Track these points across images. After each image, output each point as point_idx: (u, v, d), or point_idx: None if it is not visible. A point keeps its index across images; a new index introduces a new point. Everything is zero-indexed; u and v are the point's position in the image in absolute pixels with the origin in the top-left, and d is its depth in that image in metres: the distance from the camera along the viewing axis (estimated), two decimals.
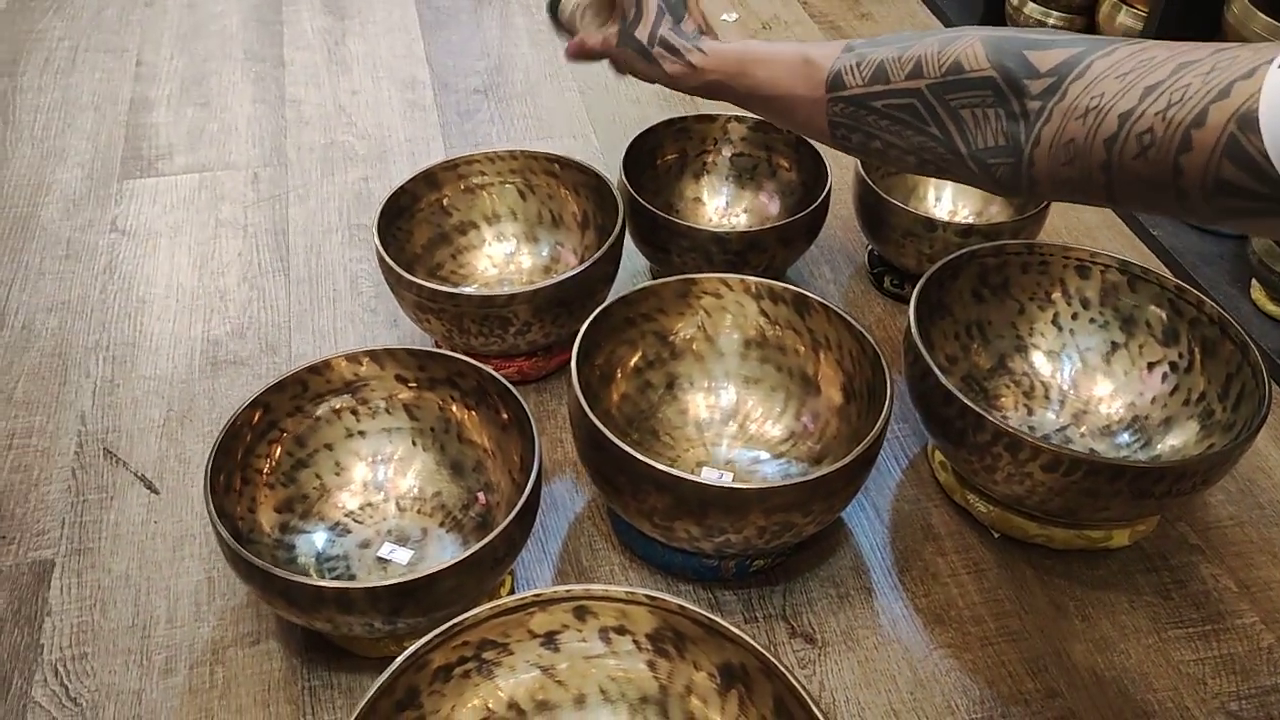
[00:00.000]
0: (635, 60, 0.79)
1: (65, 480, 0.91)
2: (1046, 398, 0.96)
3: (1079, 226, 1.25)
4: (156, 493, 0.91)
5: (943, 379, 0.81)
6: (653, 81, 0.80)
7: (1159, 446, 0.90)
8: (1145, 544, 0.89)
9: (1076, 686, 0.79)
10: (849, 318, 0.88)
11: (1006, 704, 0.78)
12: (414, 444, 0.89)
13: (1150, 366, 0.93)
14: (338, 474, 0.87)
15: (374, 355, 0.87)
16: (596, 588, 0.67)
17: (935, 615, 0.84)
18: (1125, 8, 1.27)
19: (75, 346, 1.04)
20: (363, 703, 0.60)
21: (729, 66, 0.75)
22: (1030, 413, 0.95)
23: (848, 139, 0.68)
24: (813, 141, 1.11)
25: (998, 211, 1.15)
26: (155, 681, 0.77)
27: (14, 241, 1.16)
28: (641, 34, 0.78)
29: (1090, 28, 1.35)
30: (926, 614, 0.84)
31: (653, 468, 0.75)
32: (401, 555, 0.84)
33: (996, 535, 0.89)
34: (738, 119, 1.16)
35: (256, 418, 0.83)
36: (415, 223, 1.07)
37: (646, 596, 0.66)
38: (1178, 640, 0.82)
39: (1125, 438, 0.92)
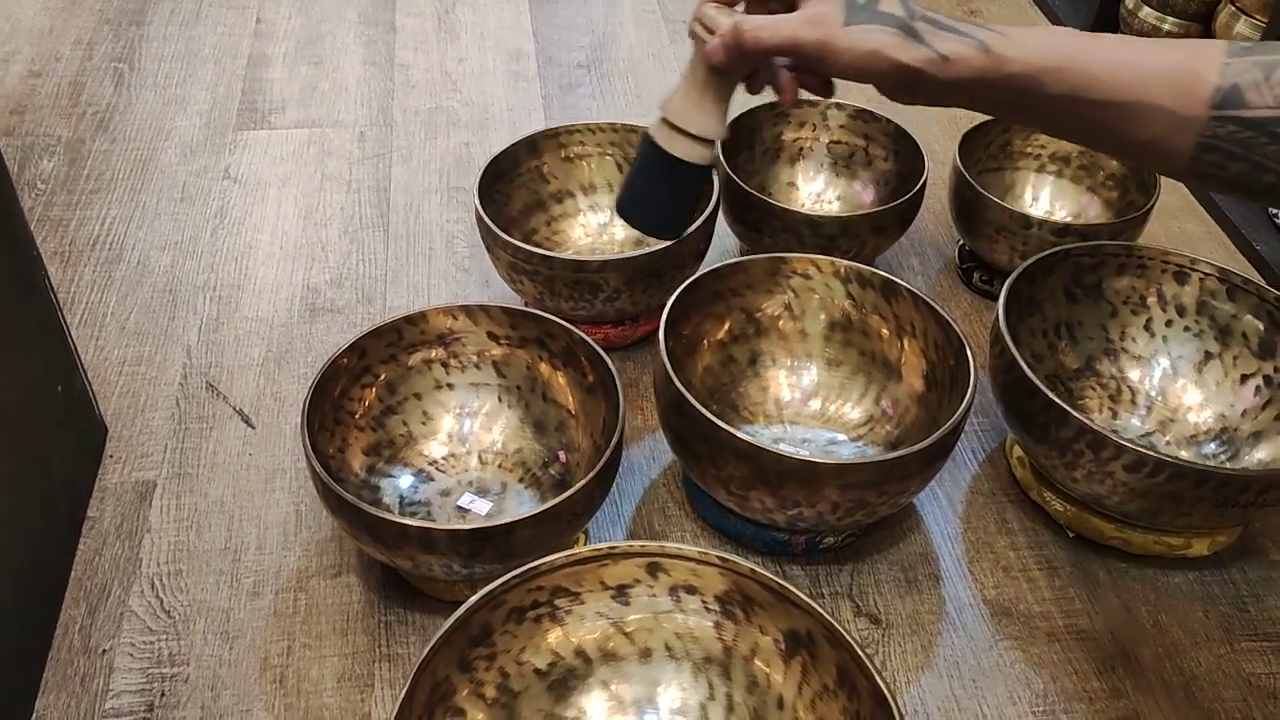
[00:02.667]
0: (874, 43, 0.57)
1: (169, 409, 0.96)
2: (1133, 403, 0.95)
3: (1179, 235, 1.22)
4: (253, 427, 0.95)
5: (1028, 371, 0.81)
6: (888, 79, 0.58)
7: (1246, 459, 0.88)
8: (1224, 555, 0.88)
9: (1143, 689, 0.79)
10: (936, 305, 0.88)
11: (1070, 700, 0.78)
12: (500, 400, 0.91)
13: (1243, 379, 0.91)
14: (424, 423, 0.90)
15: (468, 310, 0.89)
16: (671, 545, 0.69)
17: (1003, 608, 0.84)
18: (1244, 16, 1.24)
19: (185, 284, 1.09)
20: (440, 632, 0.62)
21: (1048, 57, 0.56)
22: (1115, 416, 0.94)
23: (1222, 168, 0.54)
24: (911, 132, 1.11)
25: (1097, 214, 1.14)
26: (243, 602, 0.81)
27: (134, 182, 1.22)
28: (890, 5, 0.58)
29: (1205, 35, 1.32)
30: (994, 605, 0.84)
31: (733, 435, 0.76)
32: (481, 506, 0.87)
33: (1071, 535, 0.89)
34: (838, 105, 1.17)
35: (353, 361, 0.86)
36: (514, 187, 1.09)
37: (719, 558, 0.68)
38: (1250, 653, 0.81)
39: (1211, 448, 0.90)
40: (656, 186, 0.73)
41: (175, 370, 1.00)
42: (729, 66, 0.63)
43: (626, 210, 0.75)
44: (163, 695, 0.75)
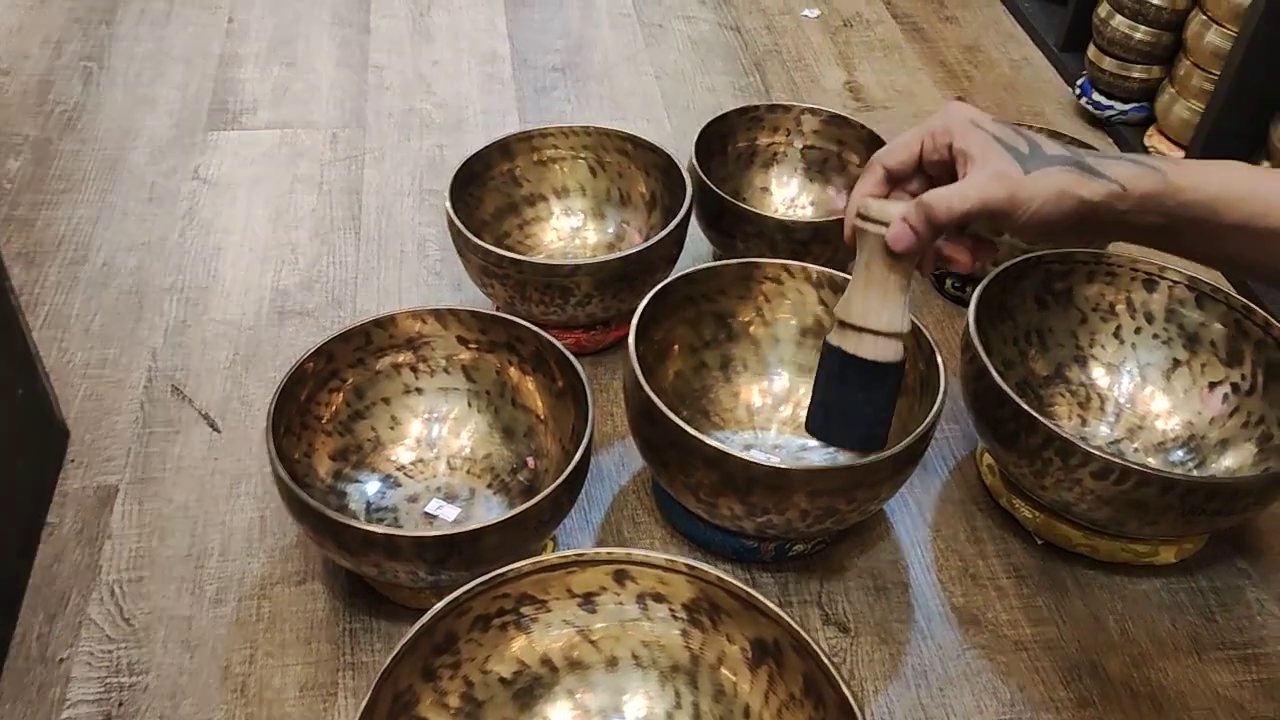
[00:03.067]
0: (1057, 184, 0.58)
1: (134, 412, 0.95)
2: (1102, 410, 0.95)
3: None
4: (218, 431, 0.94)
5: (998, 378, 0.81)
6: (1070, 218, 0.59)
7: (1213, 467, 0.89)
8: (1191, 563, 0.88)
9: (1110, 698, 0.79)
10: None
11: (1036, 709, 0.78)
12: (469, 405, 0.91)
13: (1211, 386, 0.92)
14: (393, 428, 0.89)
15: (438, 314, 0.89)
16: (638, 553, 0.68)
17: (971, 616, 0.84)
18: (1215, 26, 1.25)
19: (152, 286, 1.08)
20: (403, 640, 0.62)
21: (1223, 185, 0.57)
22: (1084, 423, 0.95)
23: None
24: (885, 138, 1.11)
25: None
26: (205, 610, 0.80)
27: (102, 182, 1.20)
28: (1054, 149, 0.60)
29: (1176, 44, 1.33)
30: (962, 614, 0.84)
31: (702, 442, 0.76)
32: (448, 512, 0.86)
33: (1040, 542, 0.89)
34: (811, 111, 1.17)
35: (320, 365, 0.85)
36: (486, 190, 1.09)
37: (686, 565, 0.67)
38: (1218, 662, 0.82)
39: (1179, 455, 0.91)
40: (853, 397, 0.68)
41: (140, 373, 0.98)
42: (917, 248, 0.62)
43: (824, 430, 0.71)
44: (120, 705, 0.74)
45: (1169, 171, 0.58)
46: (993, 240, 0.66)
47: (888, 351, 0.66)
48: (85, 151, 1.24)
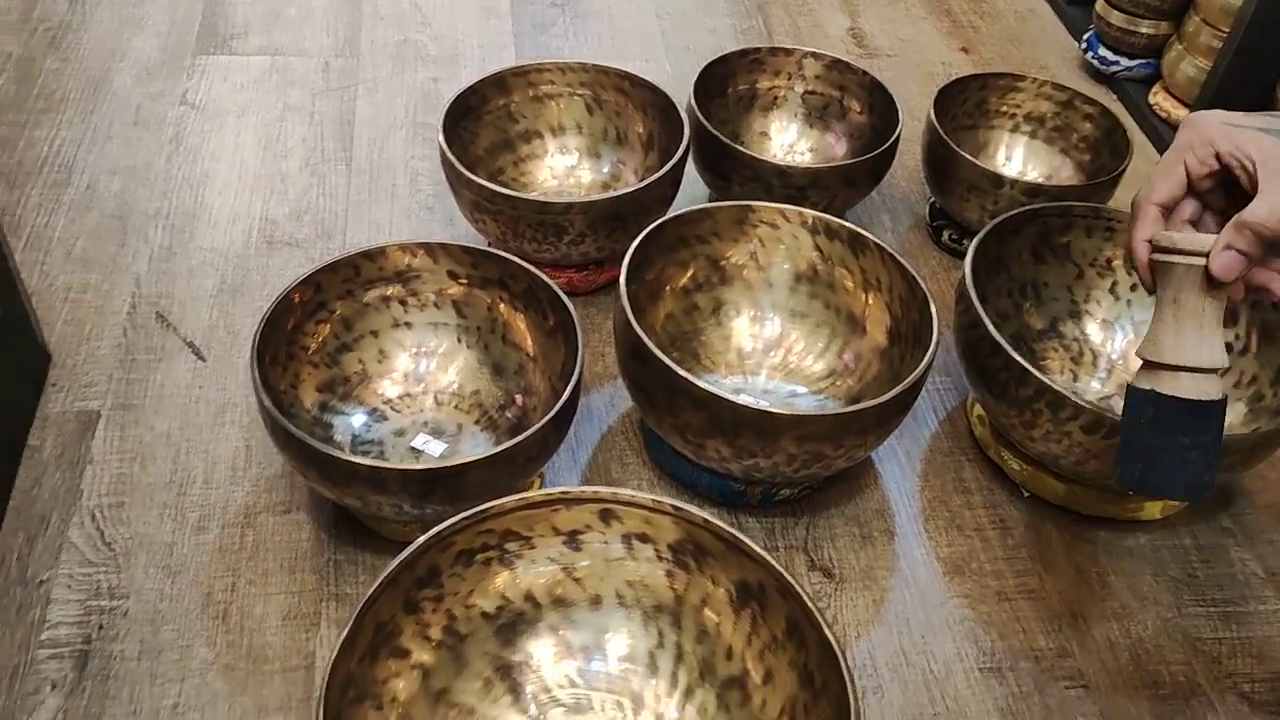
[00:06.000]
0: None
1: (116, 339, 0.93)
2: (1094, 365, 0.95)
3: None
4: (203, 360, 0.93)
5: (991, 329, 0.80)
6: None
7: None
8: (1176, 520, 0.88)
9: (1088, 650, 0.79)
10: (902, 260, 0.87)
11: (1016, 658, 0.78)
12: (459, 341, 0.90)
13: None
14: (380, 361, 0.88)
15: (428, 248, 0.87)
16: (624, 492, 0.67)
17: (955, 565, 0.84)
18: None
19: (136, 212, 1.06)
20: (385, 572, 0.61)
21: None
22: (1075, 379, 0.94)
23: None
24: (887, 86, 1.10)
25: (1069, 176, 1.13)
26: (187, 536, 0.79)
27: (85, 104, 1.17)
28: None
29: (1186, 0, 1.31)
30: (947, 563, 0.84)
31: (691, 383, 0.75)
32: (435, 447, 0.85)
33: (1026, 494, 0.89)
34: (813, 55, 1.15)
35: (308, 295, 0.84)
36: (481, 125, 1.07)
37: (673, 507, 0.67)
38: (1197, 618, 0.82)
39: None
40: (1175, 442, 0.63)
41: (123, 299, 0.97)
42: (1243, 272, 0.58)
43: (1146, 482, 0.65)
44: (100, 628, 0.73)
45: None
46: None
47: (1210, 388, 0.62)
48: (69, 71, 1.21)
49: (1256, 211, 0.57)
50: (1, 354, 0.82)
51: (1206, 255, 0.59)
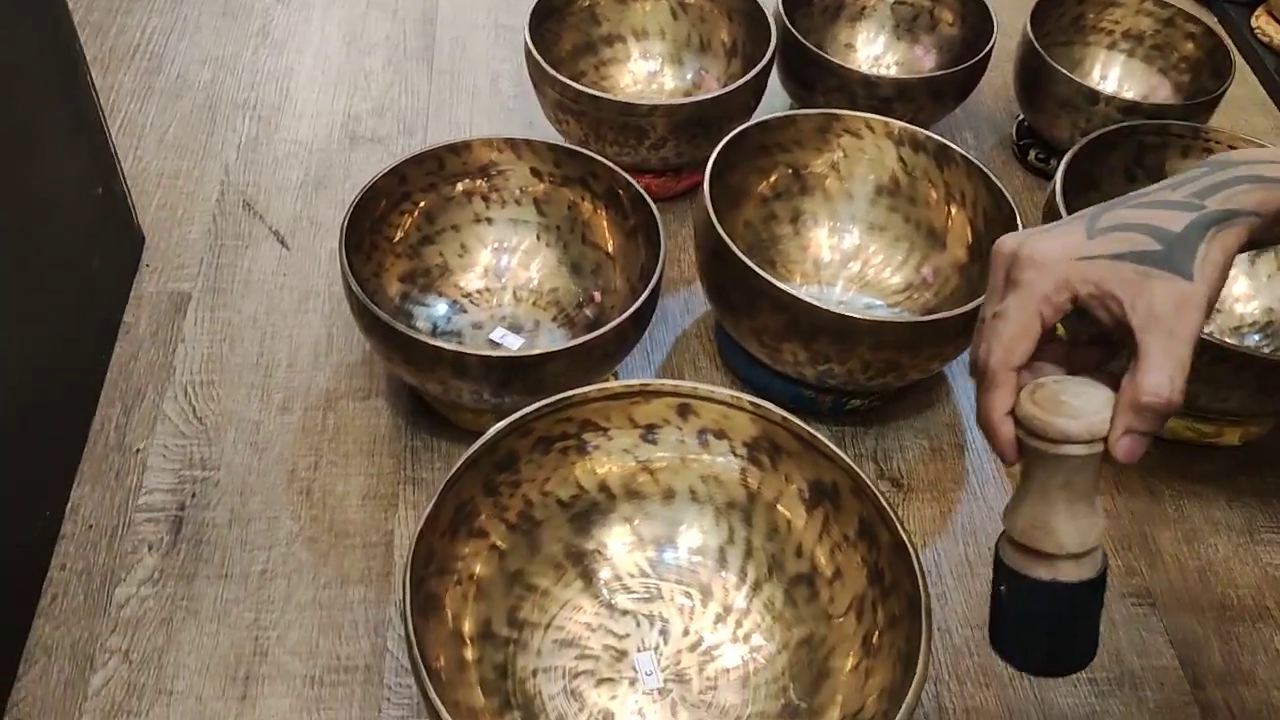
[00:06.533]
0: (1219, 256, 0.50)
1: (206, 224, 0.95)
2: None
3: (1245, 128, 1.18)
4: (288, 248, 0.94)
5: None
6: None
7: None
8: (1255, 447, 0.87)
9: (1157, 569, 0.79)
10: (989, 173, 0.85)
11: None
12: (538, 238, 0.90)
13: None
14: (461, 255, 0.90)
15: (512, 143, 0.87)
16: (703, 387, 0.68)
17: None
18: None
19: (224, 101, 1.07)
20: (469, 453, 0.63)
21: None
22: None
23: None
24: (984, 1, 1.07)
25: (1166, 96, 1.09)
26: (273, 415, 0.82)
27: None
28: (1177, 220, 0.50)
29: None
30: (1016, 479, 0.84)
31: (771, 284, 0.75)
32: (512, 341, 0.87)
33: None
34: None
35: (393, 185, 0.85)
36: (565, 27, 1.06)
37: (750, 403, 0.68)
38: (1271, 544, 0.81)
39: (1255, 339, 0.89)
40: (1055, 623, 0.55)
41: (213, 186, 0.99)
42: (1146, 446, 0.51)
43: (1028, 664, 0.58)
44: (194, 496, 0.76)
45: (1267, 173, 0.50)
46: None
47: (1092, 567, 0.54)
48: None
49: (1151, 386, 0.48)
50: (100, 233, 0.85)
51: (1104, 440, 0.50)
